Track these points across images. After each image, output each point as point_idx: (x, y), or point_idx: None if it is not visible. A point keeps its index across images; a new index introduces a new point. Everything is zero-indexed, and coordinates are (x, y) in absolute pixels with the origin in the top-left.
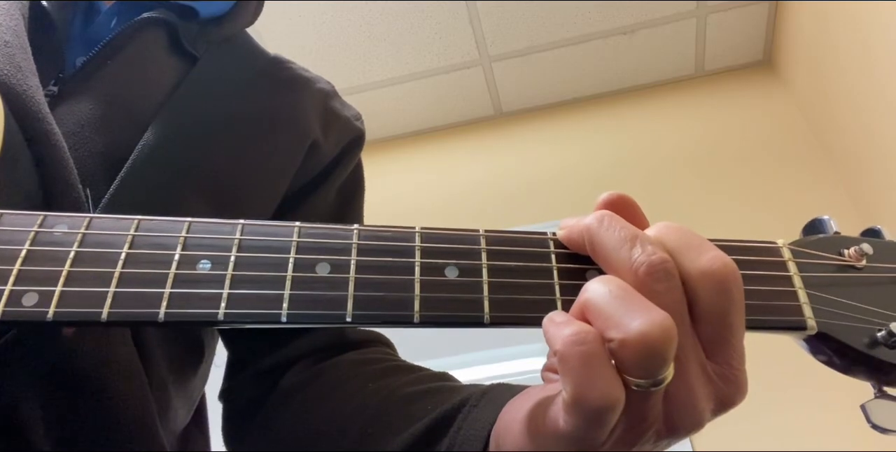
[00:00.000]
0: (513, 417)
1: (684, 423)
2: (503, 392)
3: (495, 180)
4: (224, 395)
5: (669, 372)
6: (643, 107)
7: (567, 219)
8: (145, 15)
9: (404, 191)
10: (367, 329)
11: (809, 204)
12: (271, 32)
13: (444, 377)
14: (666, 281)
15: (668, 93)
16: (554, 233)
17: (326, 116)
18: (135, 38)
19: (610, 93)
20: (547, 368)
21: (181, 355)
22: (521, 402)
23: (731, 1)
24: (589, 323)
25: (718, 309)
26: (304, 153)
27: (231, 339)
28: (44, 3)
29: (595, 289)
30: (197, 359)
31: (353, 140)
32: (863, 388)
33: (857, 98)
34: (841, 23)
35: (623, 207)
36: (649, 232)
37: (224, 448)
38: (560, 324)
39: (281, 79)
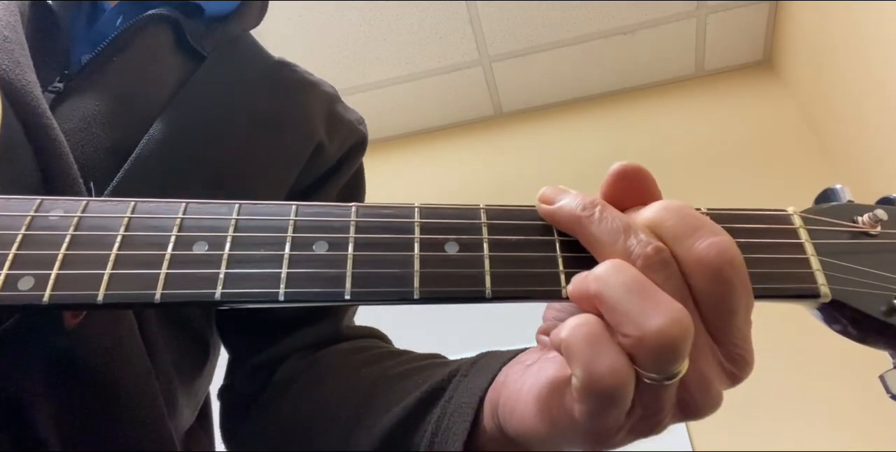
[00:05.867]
0: (518, 393)
1: (701, 407)
2: (492, 360)
3: (495, 180)
4: (221, 392)
5: (684, 366)
6: (643, 107)
7: (547, 188)
8: (151, 12)
9: (404, 192)
10: (362, 325)
11: (809, 203)
12: (272, 32)
13: (435, 356)
14: (663, 271)
15: (668, 93)
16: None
17: (331, 119)
18: (140, 35)
19: (610, 93)
20: (542, 330)
21: (186, 354)
22: (518, 371)
23: (731, 1)
24: (595, 311)
25: (717, 297)
26: (309, 154)
27: (228, 336)
28: (48, 0)
29: (608, 282)
30: (202, 359)
31: (356, 144)
32: (865, 388)
33: (857, 98)
34: (841, 23)
35: (637, 180)
36: (646, 213)
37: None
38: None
39: (287, 81)
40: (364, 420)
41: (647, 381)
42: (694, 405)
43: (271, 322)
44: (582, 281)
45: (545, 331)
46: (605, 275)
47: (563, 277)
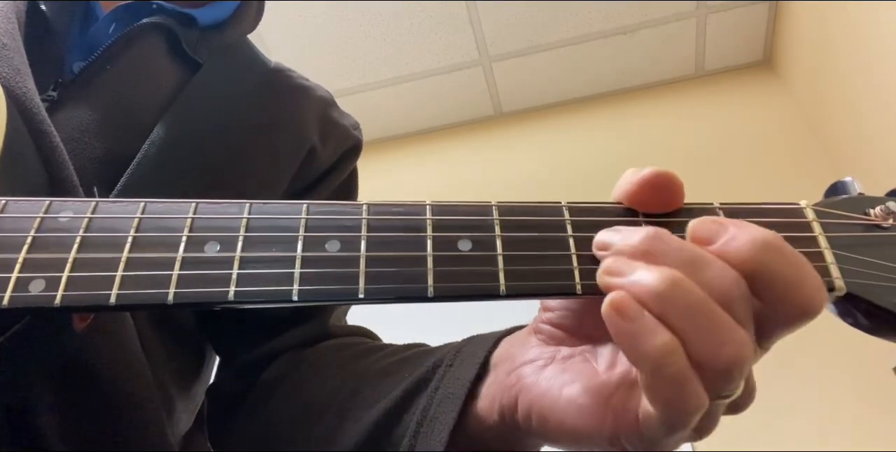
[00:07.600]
0: (551, 400)
1: (745, 404)
2: (476, 347)
3: (495, 180)
4: (209, 391)
5: (741, 388)
6: (643, 107)
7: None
8: (145, 20)
9: (404, 192)
10: (352, 324)
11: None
12: (271, 33)
13: (418, 345)
14: (742, 303)
15: (668, 93)
16: (569, 202)
17: (325, 124)
18: (134, 44)
19: (610, 93)
20: (545, 320)
21: (181, 359)
22: (532, 372)
23: (731, 1)
24: (651, 311)
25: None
26: (301, 159)
27: (213, 336)
28: (42, 6)
29: (675, 292)
30: (197, 364)
31: (350, 149)
32: (864, 388)
33: (856, 98)
34: (840, 23)
35: (666, 189)
36: (742, 249)
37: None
38: (643, 329)
39: (282, 87)
40: (350, 414)
41: None
42: (739, 404)
43: (259, 322)
44: (626, 297)
45: (551, 322)
46: (667, 283)
47: (577, 274)
